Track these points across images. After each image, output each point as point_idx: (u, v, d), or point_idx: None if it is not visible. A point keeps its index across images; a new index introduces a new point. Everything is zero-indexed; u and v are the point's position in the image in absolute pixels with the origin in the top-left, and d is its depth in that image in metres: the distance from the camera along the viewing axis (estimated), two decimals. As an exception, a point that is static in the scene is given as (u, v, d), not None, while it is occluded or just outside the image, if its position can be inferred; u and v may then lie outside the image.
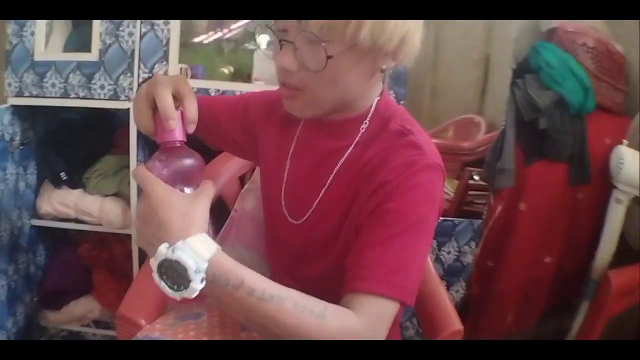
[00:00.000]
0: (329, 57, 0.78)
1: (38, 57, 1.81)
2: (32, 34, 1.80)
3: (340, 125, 0.94)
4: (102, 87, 1.79)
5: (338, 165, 0.93)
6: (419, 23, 0.84)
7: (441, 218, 1.76)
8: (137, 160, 1.84)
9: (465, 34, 2.55)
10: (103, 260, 2.08)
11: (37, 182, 2.03)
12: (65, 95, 1.82)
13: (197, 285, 0.67)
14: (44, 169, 2.02)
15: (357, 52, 0.80)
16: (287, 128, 1.04)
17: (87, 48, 1.79)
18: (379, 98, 0.93)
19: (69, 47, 1.92)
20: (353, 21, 0.75)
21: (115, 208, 1.92)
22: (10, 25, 1.81)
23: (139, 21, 1.73)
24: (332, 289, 0.79)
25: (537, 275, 2.10)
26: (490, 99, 2.60)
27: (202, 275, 0.68)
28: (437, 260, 2.03)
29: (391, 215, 0.81)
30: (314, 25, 0.77)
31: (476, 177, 2.23)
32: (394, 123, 0.91)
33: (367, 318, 0.74)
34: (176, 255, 0.67)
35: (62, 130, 2.03)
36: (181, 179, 0.78)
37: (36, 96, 1.84)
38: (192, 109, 0.80)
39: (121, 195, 1.97)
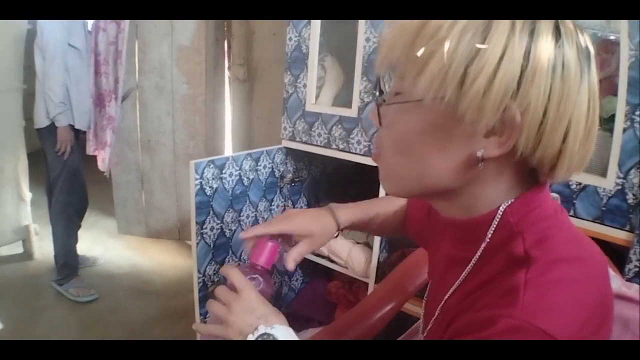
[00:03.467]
0: (379, 104, 0.67)
1: (309, 108, 1.98)
2: (305, 85, 1.98)
3: (464, 228, 0.70)
4: (358, 142, 1.87)
5: (460, 279, 0.71)
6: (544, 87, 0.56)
7: None
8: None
9: None
10: (348, 300, 2.21)
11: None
12: (327, 145, 1.95)
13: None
14: (312, 205, 2.24)
15: (427, 110, 0.61)
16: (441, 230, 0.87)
17: (350, 104, 1.89)
18: (508, 203, 0.64)
19: (338, 101, 2.04)
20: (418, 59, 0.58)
21: (360, 256, 2.02)
22: (287, 76, 2.01)
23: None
24: None
25: None
26: None
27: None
28: None
29: None
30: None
31: None
32: (519, 243, 0.62)
33: None
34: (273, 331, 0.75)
35: (332, 175, 2.20)
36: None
37: (305, 142, 2.02)
38: (294, 253, 0.88)
39: (369, 245, 2.06)
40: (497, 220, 0.65)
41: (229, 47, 3.10)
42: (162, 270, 3.33)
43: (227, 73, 3.19)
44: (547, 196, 0.67)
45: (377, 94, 0.69)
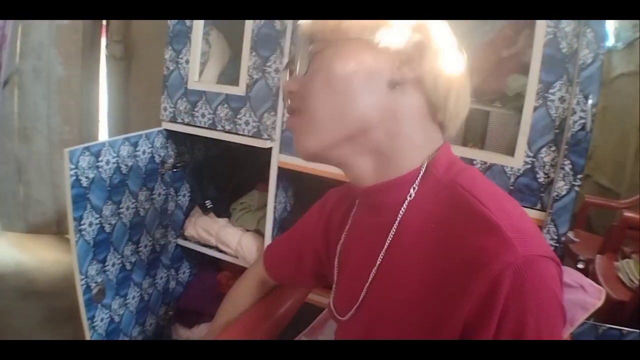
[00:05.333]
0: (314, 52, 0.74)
1: (191, 86, 1.81)
2: (187, 61, 1.81)
3: (387, 189, 0.74)
4: (246, 122, 1.73)
5: (386, 245, 0.74)
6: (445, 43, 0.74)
7: (607, 325, 1.47)
8: (276, 201, 1.79)
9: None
10: (239, 291, 2.09)
11: (189, 204, 2.10)
12: (212, 126, 1.80)
13: None
14: (197, 193, 2.07)
15: (356, 45, 0.71)
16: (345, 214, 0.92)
17: (237, 82, 1.74)
18: (429, 159, 0.73)
19: (223, 79, 1.89)
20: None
21: (252, 244, 1.89)
22: (168, 51, 1.83)
23: (286, 57, 1.64)
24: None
25: None
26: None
27: None
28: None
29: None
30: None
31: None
32: (460, 190, 0.68)
33: None
34: None
35: (217, 159, 2.05)
36: None
37: (187, 124, 1.85)
38: None
39: (260, 232, 1.94)
40: (421, 174, 0.72)
41: (107, 23, 2.87)
42: (45, 268, 3.08)
43: (103, 51, 2.95)
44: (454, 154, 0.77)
45: (309, 42, 0.75)
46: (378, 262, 0.74)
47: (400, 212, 0.72)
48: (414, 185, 0.72)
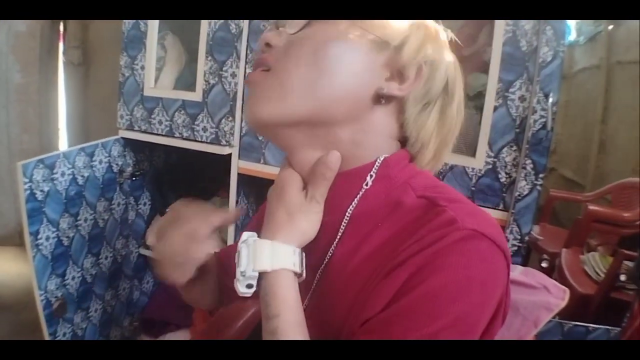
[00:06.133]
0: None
1: (147, 93, 1.76)
2: (143, 67, 1.76)
3: (340, 181, 0.68)
4: (204, 129, 1.69)
5: (335, 242, 0.68)
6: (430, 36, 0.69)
7: (573, 323, 1.47)
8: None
9: None
10: (203, 300, 2.06)
11: (150, 212, 2.05)
12: (170, 133, 1.75)
13: (241, 288, 0.64)
14: (158, 201, 2.02)
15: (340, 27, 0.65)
16: None
17: (193, 87, 1.70)
18: (385, 156, 0.67)
19: (180, 84, 1.84)
20: None
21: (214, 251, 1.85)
22: (123, 57, 1.78)
23: (242, 61, 1.60)
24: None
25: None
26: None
27: (249, 282, 0.63)
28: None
29: (422, 304, 0.55)
30: None
31: (622, 278, 1.81)
32: (411, 192, 0.65)
33: None
34: (242, 247, 0.65)
35: (177, 166, 2.01)
36: None
37: (144, 131, 1.80)
38: None
39: (223, 239, 1.89)
40: (375, 172, 0.67)
41: (65, 28, 2.79)
42: (7, 281, 2.99)
43: (61, 58, 2.88)
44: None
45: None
46: (325, 261, 0.69)
47: (350, 208, 0.67)
48: (366, 181, 0.67)
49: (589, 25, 2.98)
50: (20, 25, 2.80)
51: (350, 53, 0.64)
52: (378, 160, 0.67)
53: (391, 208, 0.65)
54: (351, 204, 0.67)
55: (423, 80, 0.66)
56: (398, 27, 0.66)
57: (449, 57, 0.70)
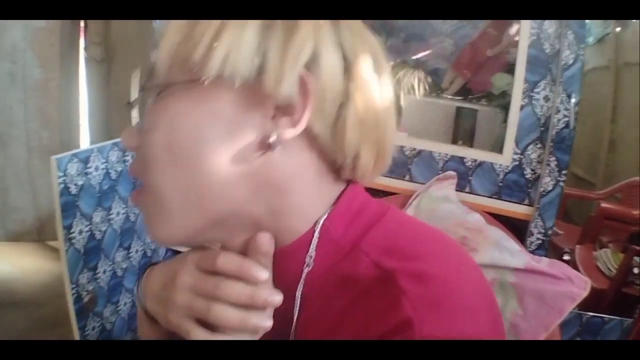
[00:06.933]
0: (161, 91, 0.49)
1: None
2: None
3: (277, 262, 0.54)
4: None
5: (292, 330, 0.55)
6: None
7: (590, 314, 1.53)
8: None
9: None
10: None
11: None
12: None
13: None
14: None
15: (211, 91, 0.48)
16: None
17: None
18: (324, 217, 0.53)
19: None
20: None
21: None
22: (153, 54, 1.83)
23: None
24: None
25: None
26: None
27: None
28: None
29: None
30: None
31: (635, 270, 1.88)
32: (364, 259, 0.51)
33: None
34: None
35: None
36: None
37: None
38: None
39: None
40: (316, 240, 0.53)
41: (86, 24, 2.84)
42: (26, 277, 3.00)
43: (82, 54, 2.92)
44: (365, 195, 0.57)
45: (141, 89, 0.53)
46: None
47: (298, 289, 0.54)
48: (309, 254, 0.53)
49: (598, 26, 3.06)
50: (39, 21, 2.81)
51: (210, 128, 0.48)
52: (317, 225, 0.53)
53: (343, 282, 0.52)
54: (299, 284, 0.54)
55: (315, 90, 0.48)
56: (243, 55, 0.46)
57: (331, 36, 0.49)
